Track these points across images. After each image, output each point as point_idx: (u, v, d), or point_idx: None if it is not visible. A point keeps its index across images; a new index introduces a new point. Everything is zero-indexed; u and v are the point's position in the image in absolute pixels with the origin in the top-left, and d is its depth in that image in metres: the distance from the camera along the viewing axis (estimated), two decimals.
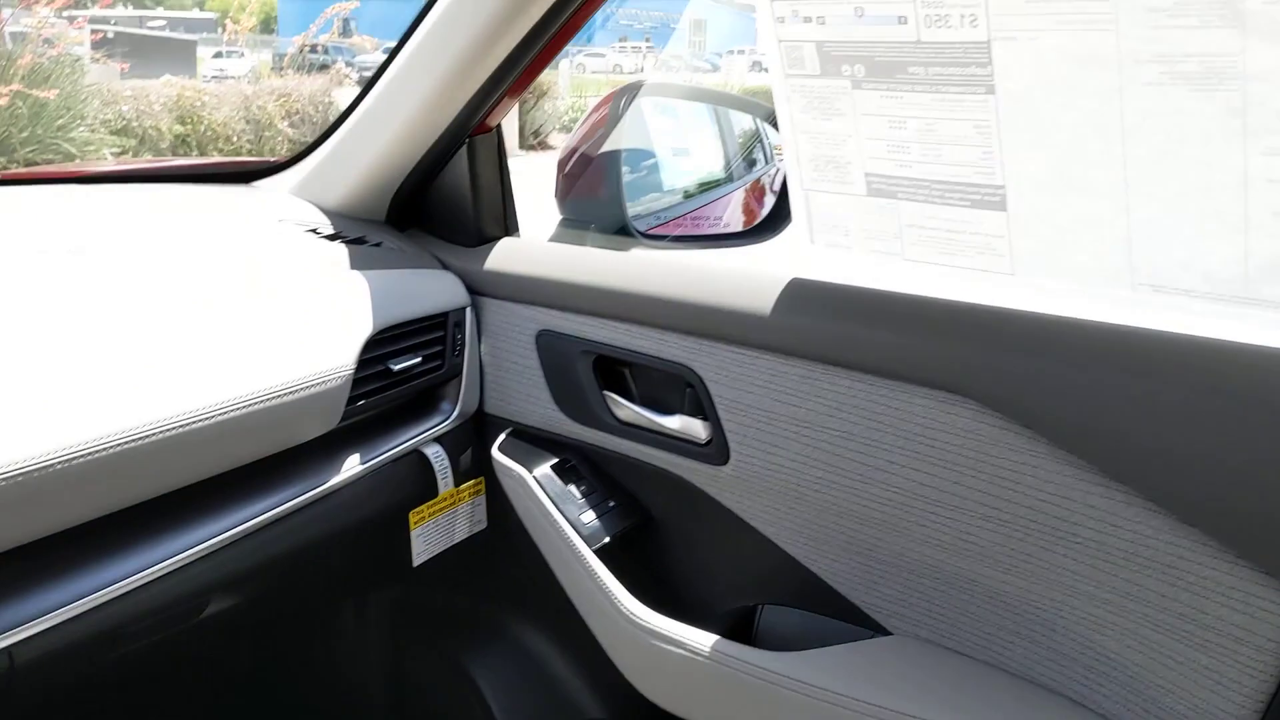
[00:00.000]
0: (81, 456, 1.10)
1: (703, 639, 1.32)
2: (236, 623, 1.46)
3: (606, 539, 1.46)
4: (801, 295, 1.28)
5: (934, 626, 1.25)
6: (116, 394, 1.16)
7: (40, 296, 1.21)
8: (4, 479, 1.02)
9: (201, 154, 10.62)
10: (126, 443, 1.14)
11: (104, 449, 1.12)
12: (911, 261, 1.19)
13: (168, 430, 1.18)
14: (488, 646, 1.74)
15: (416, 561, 1.52)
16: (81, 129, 9.11)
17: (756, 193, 2.06)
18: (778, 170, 1.98)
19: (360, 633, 1.79)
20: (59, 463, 1.07)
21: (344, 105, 1.67)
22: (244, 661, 1.69)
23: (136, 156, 9.73)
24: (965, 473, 1.17)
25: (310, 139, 1.84)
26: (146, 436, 1.16)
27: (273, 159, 1.81)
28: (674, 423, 1.41)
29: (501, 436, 1.59)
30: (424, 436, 1.53)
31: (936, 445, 1.18)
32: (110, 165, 2.34)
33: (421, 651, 1.79)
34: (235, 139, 11.15)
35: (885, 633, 1.30)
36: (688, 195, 1.89)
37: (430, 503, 1.53)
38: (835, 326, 1.24)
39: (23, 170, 2.71)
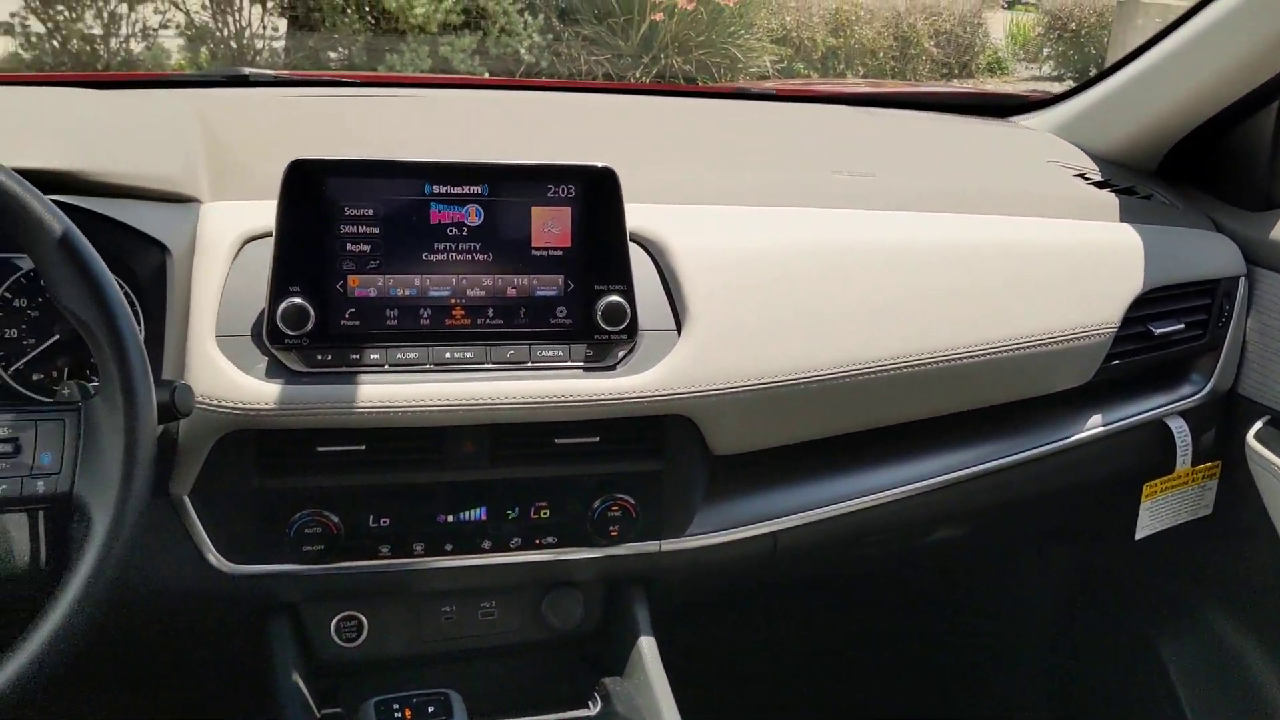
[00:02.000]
0: (874, 370, 1.17)
1: None
2: (951, 551, 1.50)
3: None
4: None
5: None
6: (901, 318, 1.21)
7: (845, 219, 1.28)
8: (844, 373, 1.15)
9: (848, 67, 10.93)
10: (905, 365, 1.19)
11: (888, 367, 1.18)
12: None
13: (942, 359, 1.21)
14: (1181, 632, 1.63)
15: (1140, 534, 1.45)
16: (748, 37, 9.73)
17: None
18: None
19: (1042, 585, 1.76)
20: (871, 370, 1.17)
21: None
22: (942, 585, 1.74)
23: (791, 65, 10.24)
24: None
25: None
26: (923, 362, 1.20)
27: (1028, 94, 1.78)
28: None
29: (1259, 423, 1.44)
30: (1168, 408, 1.44)
31: None
32: (864, 87, 2.46)
33: (1101, 620, 1.72)
34: (881, 55, 11.32)
35: None
36: None
37: (1165, 478, 1.44)
38: None
39: (790, 84, 2.93)
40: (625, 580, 1.23)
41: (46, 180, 0.89)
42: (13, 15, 6.56)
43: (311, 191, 1.02)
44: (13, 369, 1.09)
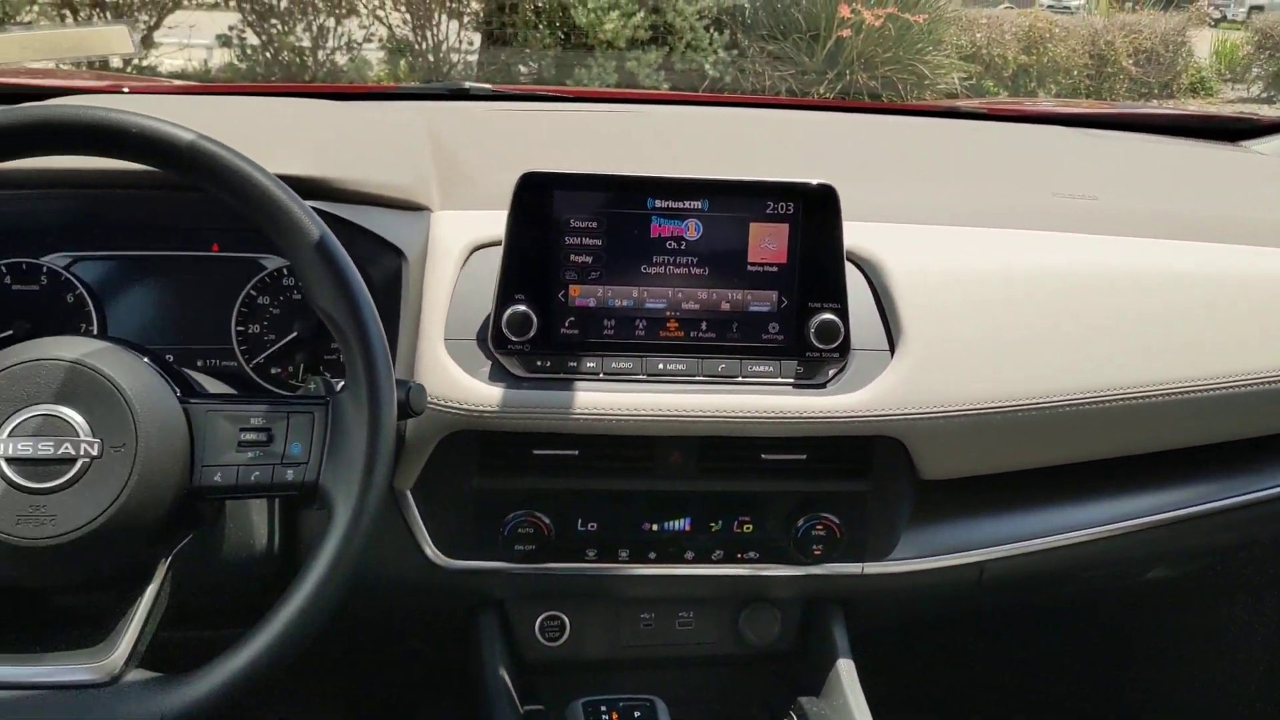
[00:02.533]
0: (1094, 401, 1.13)
1: None
2: (1163, 589, 1.43)
3: None
4: None
5: None
6: (1125, 347, 1.16)
7: (1067, 243, 1.24)
8: (1063, 402, 1.12)
9: (1039, 85, 10.60)
10: (1126, 396, 1.14)
11: (1108, 398, 1.13)
12: None
13: (1167, 392, 1.16)
14: None
15: None
16: (936, 54, 9.54)
17: None
18: None
19: (1256, 635, 1.66)
20: (1091, 400, 1.13)
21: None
22: (1146, 623, 1.66)
23: (980, 82, 9.99)
24: None
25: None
26: (1146, 395, 1.15)
27: (1259, 117, 1.69)
28: None
29: None
30: None
31: None
32: (1081, 107, 2.37)
33: None
34: (1075, 73, 10.93)
35: None
36: None
37: None
38: None
39: (1002, 103, 2.87)
40: (824, 600, 1.22)
41: (299, 186, 0.94)
42: (231, 29, 7.00)
43: (540, 203, 1.05)
44: (254, 362, 1.16)
